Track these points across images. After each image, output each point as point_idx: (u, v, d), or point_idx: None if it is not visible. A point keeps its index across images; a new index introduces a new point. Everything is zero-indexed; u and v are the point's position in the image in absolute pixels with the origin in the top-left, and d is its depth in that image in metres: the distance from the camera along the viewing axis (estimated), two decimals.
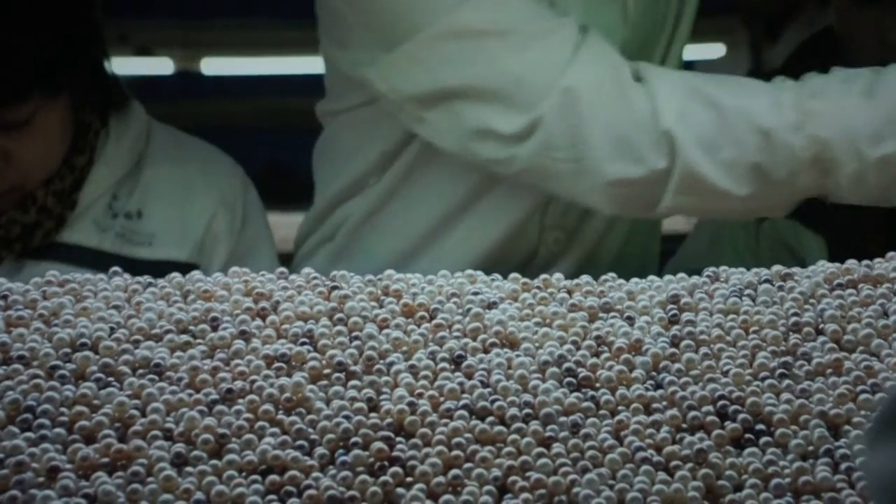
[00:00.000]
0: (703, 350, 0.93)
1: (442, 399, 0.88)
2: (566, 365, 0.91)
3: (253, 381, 0.89)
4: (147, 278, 1.01)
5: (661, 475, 0.84)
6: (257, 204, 1.58)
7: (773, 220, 1.57)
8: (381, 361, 0.91)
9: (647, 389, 0.90)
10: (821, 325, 0.96)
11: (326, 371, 0.90)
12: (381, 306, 0.97)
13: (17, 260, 1.44)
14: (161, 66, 4.48)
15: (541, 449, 0.85)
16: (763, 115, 1.23)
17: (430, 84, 1.30)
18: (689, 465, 0.84)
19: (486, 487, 0.82)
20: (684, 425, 0.87)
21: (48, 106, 1.41)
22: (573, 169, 1.26)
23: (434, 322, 0.95)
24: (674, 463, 0.85)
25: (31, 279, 0.99)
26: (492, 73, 1.28)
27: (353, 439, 0.85)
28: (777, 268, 1.02)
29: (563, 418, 0.87)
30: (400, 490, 0.82)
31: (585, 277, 1.01)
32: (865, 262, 1.03)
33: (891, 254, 1.04)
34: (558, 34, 1.27)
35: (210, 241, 1.52)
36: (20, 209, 1.43)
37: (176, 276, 1.00)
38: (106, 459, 0.83)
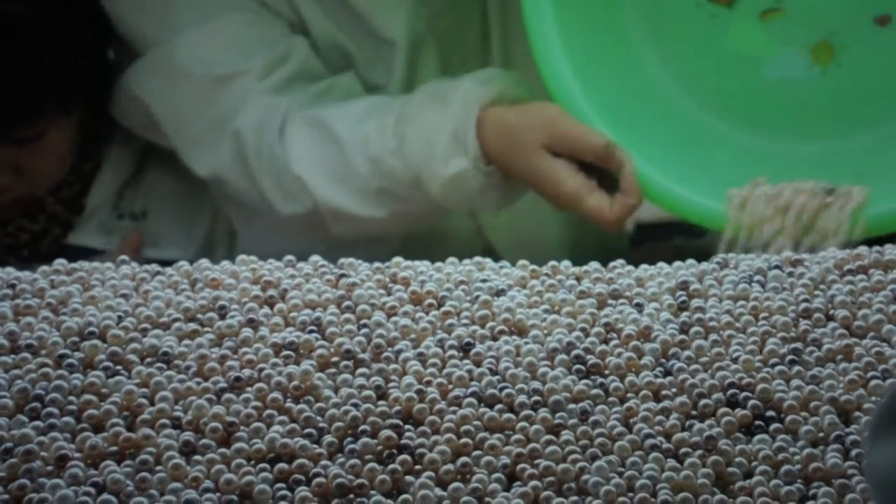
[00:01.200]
0: (713, 337, 0.93)
1: (450, 387, 0.88)
2: (575, 352, 0.91)
3: (261, 370, 0.89)
4: (155, 266, 1.01)
5: (671, 462, 0.84)
6: None
7: None
8: (390, 349, 0.91)
9: (656, 376, 0.89)
10: (831, 311, 0.95)
11: (334, 359, 0.90)
12: (389, 294, 0.97)
13: (24, 263, 1.44)
14: None
15: (550, 436, 0.85)
16: (372, 143, 1.35)
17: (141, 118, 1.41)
18: (699, 452, 0.84)
19: (495, 475, 0.82)
20: (694, 412, 0.87)
21: (60, 121, 1.41)
22: (265, 209, 1.39)
23: (442, 309, 0.95)
24: (683, 450, 0.84)
25: (56, 262, 0.99)
26: (182, 115, 1.40)
27: (362, 427, 0.84)
28: (787, 253, 1.02)
29: (571, 405, 0.87)
30: (409, 478, 0.82)
31: (594, 264, 1.01)
32: (876, 247, 1.03)
33: None
34: (239, 81, 1.38)
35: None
36: (28, 217, 1.43)
37: (183, 264, 1.00)
38: (114, 448, 0.83)
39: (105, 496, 0.79)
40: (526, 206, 1.46)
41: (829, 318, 0.95)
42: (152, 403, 0.86)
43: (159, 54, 1.40)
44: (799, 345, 0.92)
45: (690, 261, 1.03)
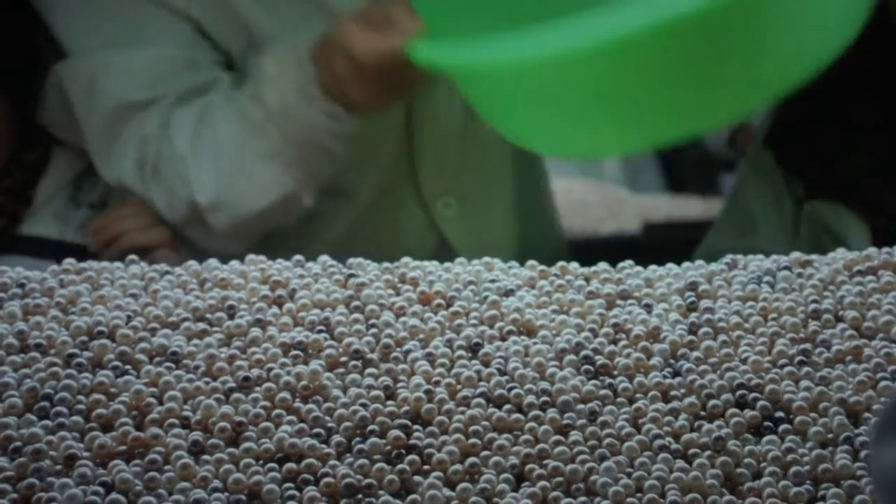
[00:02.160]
0: (722, 337, 0.93)
1: (459, 387, 0.88)
2: (584, 352, 0.91)
3: (270, 369, 0.89)
4: (164, 266, 1.01)
5: (680, 463, 0.83)
6: None
7: (815, 203, 1.57)
8: (398, 349, 0.91)
9: (665, 377, 0.89)
10: (840, 312, 0.95)
11: (343, 359, 0.90)
12: (397, 294, 0.97)
13: None
14: None
15: (558, 437, 0.84)
16: (234, 104, 1.39)
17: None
18: (708, 452, 0.84)
19: (504, 475, 0.82)
20: (702, 413, 0.87)
21: None
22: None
23: (451, 310, 0.95)
24: (692, 451, 0.84)
25: (66, 261, 0.99)
26: (95, 125, 1.44)
27: (370, 427, 0.84)
28: (796, 254, 1.02)
29: (580, 406, 0.87)
30: (417, 478, 0.82)
31: (603, 265, 1.01)
32: (886, 248, 1.03)
33: None
34: (155, 106, 1.42)
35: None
36: None
37: (192, 263, 1.00)
38: (123, 447, 0.83)
39: (114, 495, 0.79)
40: (478, 200, 1.49)
41: (839, 319, 0.95)
42: (161, 403, 0.86)
43: (83, 65, 1.43)
44: (808, 346, 0.92)
45: (699, 261, 1.02)
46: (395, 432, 0.84)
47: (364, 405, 0.86)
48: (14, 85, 1.45)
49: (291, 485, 0.81)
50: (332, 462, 0.83)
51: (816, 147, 1.54)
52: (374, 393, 0.87)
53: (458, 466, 0.83)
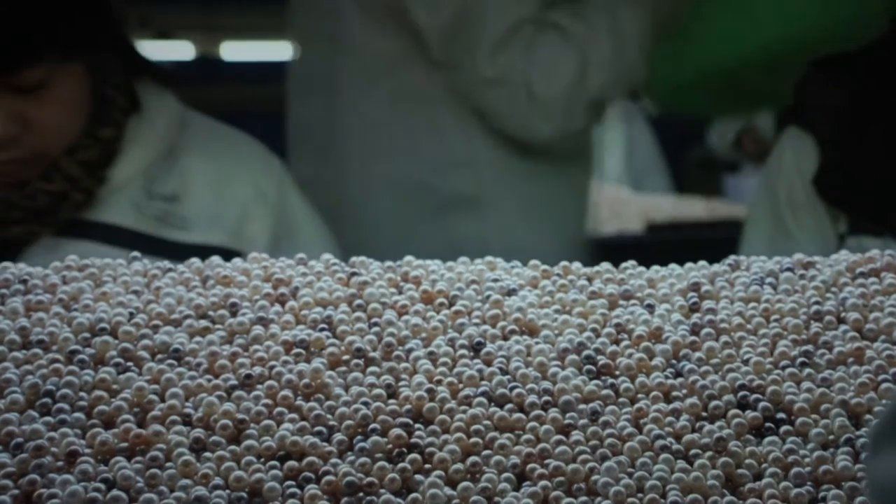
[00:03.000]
0: (724, 338, 0.93)
1: (461, 386, 0.88)
2: (586, 352, 0.91)
3: (272, 367, 0.89)
4: (166, 263, 1.01)
5: (681, 463, 0.83)
6: (294, 193, 1.59)
7: (859, 239, 1.59)
8: (400, 348, 0.91)
9: (666, 377, 0.89)
10: (842, 314, 0.95)
11: (345, 357, 0.90)
12: (400, 292, 0.97)
13: (53, 238, 1.45)
14: (181, 49, 4.48)
15: (560, 436, 0.84)
16: None
17: None
18: (709, 453, 0.84)
19: (505, 475, 0.82)
20: (704, 414, 0.87)
21: (63, 70, 1.41)
22: None
23: (453, 309, 0.95)
24: (693, 451, 0.84)
25: (68, 258, 1.00)
26: None
27: (372, 426, 0.84)
28: (798, 256, 1.02)
29: (582, 406, 0.87)
30: (418, 477, 0.82)
31: (605, 265, 1.01)
32: (888, 250, 1.03)
33: None
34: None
35: (247, 234, 1.52)
36: (45, 179, 1.44)
37: (195, 261, 1.00)
38: (125, 444, 0.83)
39: (115, 492, 0.79)
40: None
41: (841, 320, 0.95)
42: (163, 400, 0.86)
43: None
44: (810, 347, 0.92)
45: (702, 262, 1.02)
46: (396, 431, 0.84)
47: (366, 403, 0.86)
48: (92, 53, 1.45)
49: (293, 483, 0.81)
50: (333, 460, 0.83)
51: (861, 183, 1.57)
52: (376, 391, 0.87)
53: (459, 465, 0.82)
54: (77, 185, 1.45)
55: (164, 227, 1.49)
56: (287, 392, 0.87)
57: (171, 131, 1.53)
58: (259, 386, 0.87)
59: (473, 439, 0.84)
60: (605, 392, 0.88)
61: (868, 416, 0.87)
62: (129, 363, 0.89)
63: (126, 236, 1.47)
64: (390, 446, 0.83)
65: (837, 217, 1.60)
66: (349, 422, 0.85)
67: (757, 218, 1.73)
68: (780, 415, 0.87)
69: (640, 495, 0.81)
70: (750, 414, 0.87)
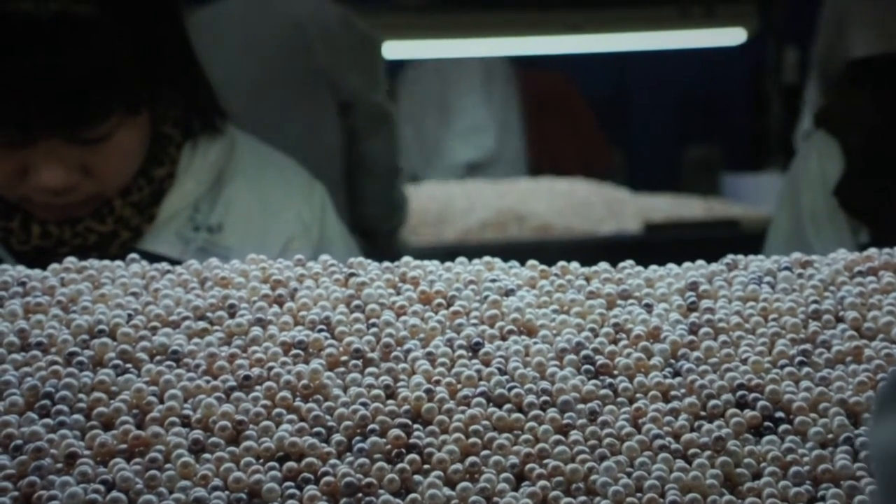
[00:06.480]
0: (722, 338, 0.93)
1: (459, 386, 0.88)
2: (584, 352, 0.91)
3: (270, 368, 0.89)
4: (164, 265, 1.01)
5: (679, 463, 0.84)
6: (334, 218, 1.59)
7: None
8: (399, 348, 0.91)
9: (665, 377, 0.89)
10: (841, 313, 0.95)
11: (344, 358, 0.90)
12: (398, 293, 0.97)
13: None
14: None
15: (558, 436, 0.85)
16: None
17: None
18: (708, 452, 0.84)
19: (504, 475, 0.82)
20: (703, 413, 0.87)
21: (128, 122, 1.41)
22: None
23: (451, 309, 0.95)
24: (692, 451, 0.84)
25: (66, 259, 0.99)
26: None
27: (371, 426, 0.85)
28: (796, 255, 1.02)
29: (580, 406, 0.87)
30: (417, 477, 0.82)
31: (603, 265, 1.01)
32: (886, 249, 1.03)
33: None
34: None
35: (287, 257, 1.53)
36: (97, 218, 1.43)
37: (193, 262, 1.00)
38: (124, 446, 0.83)
39: (114, 494, 0.80)
40: None
41: (839, 319, 0.95)
42: (162, 401, 0.86)
43: None
44: (808, 346, 0.92)
45: (700, 262, 1.03)
46: (395, 431, 0.84)
47: (364, 404, 0.86)
48: (156, 99, 1.45)
49: (292, 483, 0.81)
50: (332, 461, 0.83)
51: (884, 195, 1.55)
52: (375, 392, 0.87)
53: (458, 466, 0.83)
54: (127, 225, 1.45)
55: (206, 257, 1.49)
56: (286, 393, 0.87)
57: (223, 158, 1.52)
58: (258, 387, 0.87)
59: (472, 439, 0.84)
60: (603, 392, 0.88)
61: (867, 415, 0.87)
62: (128, 365, 0.89)
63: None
64: (389, 447, 0.83)
65: (858, 229, 1.58)
66: (348, 422, 0.85)
67: (779, 226, 1.71)
68: (779, 414, 0.87)
69: (638, 495, 0.81)
70: (748, 413, 0.87)
